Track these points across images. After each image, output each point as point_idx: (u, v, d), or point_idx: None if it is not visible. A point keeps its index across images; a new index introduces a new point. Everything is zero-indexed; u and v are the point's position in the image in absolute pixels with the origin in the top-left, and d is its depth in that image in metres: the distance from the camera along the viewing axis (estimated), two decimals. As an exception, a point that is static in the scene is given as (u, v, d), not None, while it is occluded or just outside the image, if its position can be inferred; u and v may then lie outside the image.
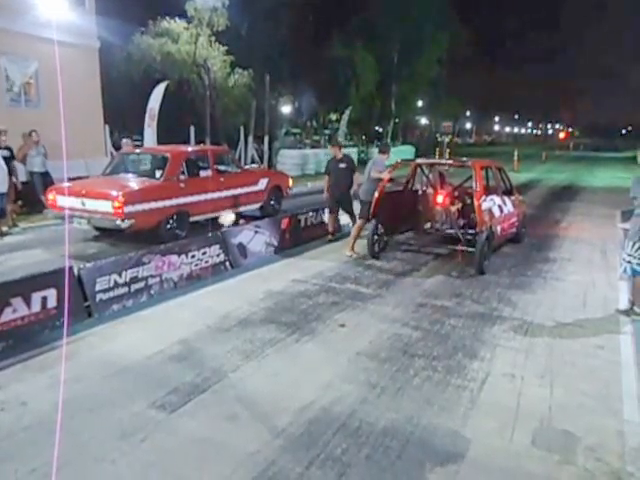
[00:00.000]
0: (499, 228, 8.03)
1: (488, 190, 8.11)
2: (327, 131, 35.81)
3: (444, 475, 3.04)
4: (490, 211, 7.69)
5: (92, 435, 3.36)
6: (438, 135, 40.54)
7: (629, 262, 5.51)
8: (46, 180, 10.17)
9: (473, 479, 3.01)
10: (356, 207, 8.59)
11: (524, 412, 3.71)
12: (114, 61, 17.50)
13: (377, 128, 36.16)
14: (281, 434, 3.40)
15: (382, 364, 4.44)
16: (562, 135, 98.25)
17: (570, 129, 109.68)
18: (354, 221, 8.65)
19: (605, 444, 3.34)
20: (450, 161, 9.76)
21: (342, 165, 8.62)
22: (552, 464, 3.14)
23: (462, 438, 3.40)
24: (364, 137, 33.11)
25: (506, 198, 8.55)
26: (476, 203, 7.29)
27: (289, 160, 20.73)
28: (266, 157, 20.84)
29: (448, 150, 30.23)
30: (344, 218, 10.19)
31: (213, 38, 19.42)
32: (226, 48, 19.83)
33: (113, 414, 3.61)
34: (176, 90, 17.91)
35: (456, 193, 8.27)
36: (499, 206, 8.11)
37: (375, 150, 9.63)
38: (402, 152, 28.23)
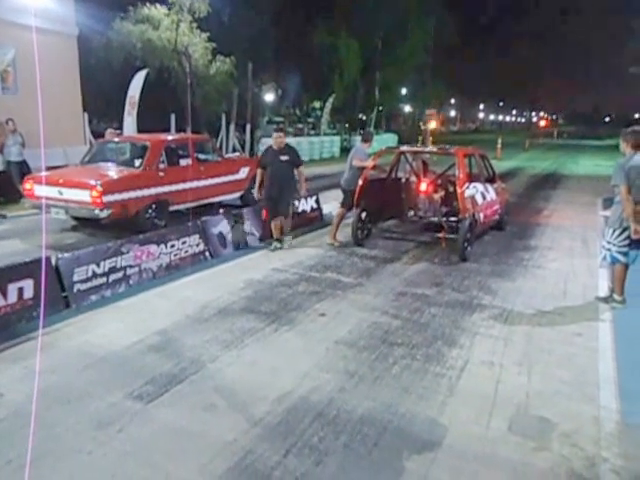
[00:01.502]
0: (481, 215, 8.07)
1: (471, 178, 8.14)
2: (310, 119, 35.63)
3: (421, 462, 3.05)
4: (473, 198, 7.72)
5: (68, 426, 3.32)
6: (421, 123, 40.56)
7: (609, 250, 5.55)
8: (23, 169, 9.98)
9: (449, 465, 3.02)
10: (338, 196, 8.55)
11: (501, 399, 3.74)
12: (93, 48, 17.09)
13: (361, 116, 36.04)
14: (259, 423, 3.39)
15: (361, 353, 4.44)
16: (543, 123, 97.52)
17: (554, 116, 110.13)
18: (287, 225, 7.84)
19: (581, 430, 3.38)
20: (434, 149, 9.76)
21: (284, 158, 7.37)
22: (528, 450, 3.17)
23: (439, 425, 3.41)
24: (347, 125, 32.97)
25: (489, 186, 8.58)
26: (459, 190, 7.31)
27: (271, 149, 20.53)
28: (248, 146, 20.64)
29: (431, 138, 30.24)
30: (327, 207, 10.18)
31: (194, 25, 19.06)
32: (207, 35, 19.49)
33: (89, 405, 3.56)
34: (157, 78, 17.56)
35: (439, 181, 8.28)
36: (482, 193, 8.15)
37: (358, 138, 9.63)
38: (385, 140, 28.27)
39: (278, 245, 7.64)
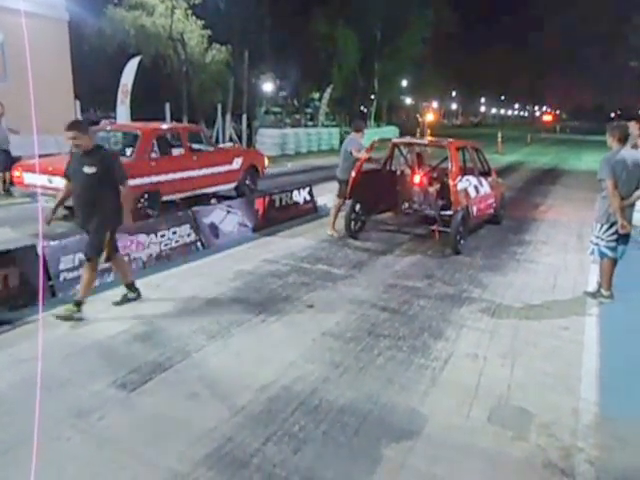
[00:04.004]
0: (475, 209, 8.05)
1: (464, 171, 8.11)
2: (309, 110, 35.52)
3: (399, 450, 3.07)
4: (466, 191, 7.70)
5: (49, 414, 3.31)
6: (418, 115, 40.46)
7: (597, 244, 5.55)
8: (8, 157, 9.88)
9: (427, 454, 3.04)
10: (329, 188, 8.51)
11: (483, 391, 3.75)
12: (86, 35, 16.95)
13: (362, 108, 35.92)
14: (240, 412, 3.41)
15: (347, 344, 4.45)
16: (548, 118, 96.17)
17: (557, 111, 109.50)
18: (123, 271, 5.27)
19: (559, 421, 3.40)
20: (425, 141, 9.74)
21: (89, 169, 4.66)
22: (505, 440, 3.20)
23: (420, 415, 3.43)
24: (347, 117, 32.85)
25: (482, 179, 8.56)
26: (451, 183, 7.30)
27: (268, 139, 20.50)
28: (245, 136, 20.56)
29: (429, 131, 30.14)
30: (323, 199, 10.17)
31: (190, 11, 18.87)
32: (203, 22, 19.30)
33: (71, 393, 3.58)
34: (151, 65, 17.46)
35: (434, 174, 8.25)
36: (475, 187, 8.12)
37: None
38: (385, 133, 28.17)
39: (73, 313, 4.75)
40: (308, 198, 9.75)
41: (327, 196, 10.20)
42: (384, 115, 38.07)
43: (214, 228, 7.31)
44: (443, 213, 7.90)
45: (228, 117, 19.78)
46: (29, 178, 7.93)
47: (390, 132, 30.77)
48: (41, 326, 4.53)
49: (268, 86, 26.39)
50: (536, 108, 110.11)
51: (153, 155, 8.54)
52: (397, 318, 5.06)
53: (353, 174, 7.71)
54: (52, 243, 5.28)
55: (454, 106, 74.87)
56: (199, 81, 19.26)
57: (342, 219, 8.07)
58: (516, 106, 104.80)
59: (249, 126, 20.95)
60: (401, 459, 2.99)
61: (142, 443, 3.08)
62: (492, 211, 9.00)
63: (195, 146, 9.77)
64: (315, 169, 16.82)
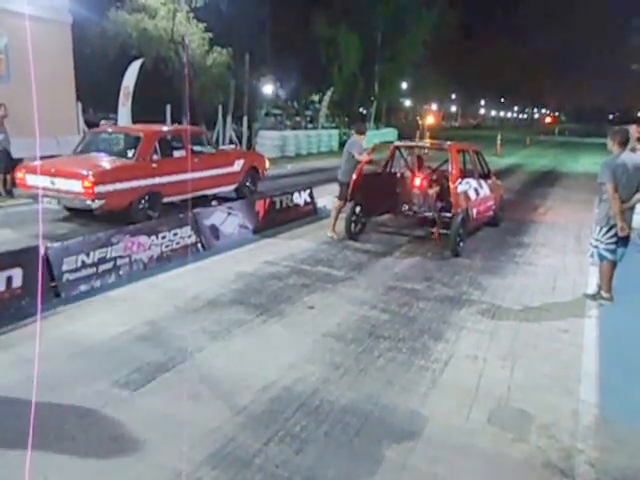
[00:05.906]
0: (474, 211, 8.09)
1: (464, 173, 8.15)
2: (309, 112, 35.56)
3: (400, 451, 3.10)
4: (466, 194, 7.74)
5: (53, 413, 3.35)
6: (418, 118, 40.48)
7: (596, 247, 5.59)
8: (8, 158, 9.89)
9: (427, 455, 3.07)
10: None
11: (483, 392, 3.78)
12: (88, 37, 16.98)
13: (361, 110, 35.94)
14: (242, 412, 3.43)
15: (347, 345, 4.47)
16: (549, 120, 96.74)
17: (556, 114, 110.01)
18: None
19: (559, 423, 3.43)
20: (427, 144, 9.78)
21: None
22: (505, 441, 3.22)
23: (420, 416, 3.46)
24: (346, 119, 32.88)
25: (482, 181, 8.60)
26: (451, 186, 7.33)
27: (268, 141, 20.55)
28: (245, 138, 20.61)
29: (428, 133, 30.13)
30: (323, 200, 10.20)
31: (191, 14, 18.96)
32: (204, 25, 19.40)
33: (75, 392, 3.60)
34: (153, 68, 17.51)
35: (434, 176, 8.29)
36: (475, 189, 8.16)
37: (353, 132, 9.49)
38: (384, 135, 28.18)
39: None
40: (308, 200, 9.78)
41: (327, 198, 10.22)
42: (383, 117, 38.07)
43: (215, 230, 7.33)
44: (443, 215, 7.94)
45: (229, 119, 19.84)
46: (32, 180, 7.96)
47: (389, 134, 30.76)
48: (45, 326, 4.56)
49: (268, 88, 26.41)
50: (535, 110, 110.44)
51: (154, 157, 8.56)
52: (397, 320, 5.08)
53: (354, 176, 7.75)
54: (55, 245, 5.31)
55: (453, 108, 74.93)
56: (200, 83, 19.31)
57: (342, 221, 8.10)
58: (516, 108, 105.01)
59: (249, 128, 21.00)
60: (402, 459, 3.02)
61: (145, 442, 3.10)
62: (491, 213, 9.04)
63: (196, 148, 9.81)
64: (315, 171, 16.85)
